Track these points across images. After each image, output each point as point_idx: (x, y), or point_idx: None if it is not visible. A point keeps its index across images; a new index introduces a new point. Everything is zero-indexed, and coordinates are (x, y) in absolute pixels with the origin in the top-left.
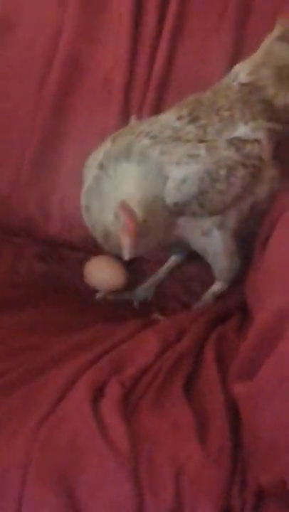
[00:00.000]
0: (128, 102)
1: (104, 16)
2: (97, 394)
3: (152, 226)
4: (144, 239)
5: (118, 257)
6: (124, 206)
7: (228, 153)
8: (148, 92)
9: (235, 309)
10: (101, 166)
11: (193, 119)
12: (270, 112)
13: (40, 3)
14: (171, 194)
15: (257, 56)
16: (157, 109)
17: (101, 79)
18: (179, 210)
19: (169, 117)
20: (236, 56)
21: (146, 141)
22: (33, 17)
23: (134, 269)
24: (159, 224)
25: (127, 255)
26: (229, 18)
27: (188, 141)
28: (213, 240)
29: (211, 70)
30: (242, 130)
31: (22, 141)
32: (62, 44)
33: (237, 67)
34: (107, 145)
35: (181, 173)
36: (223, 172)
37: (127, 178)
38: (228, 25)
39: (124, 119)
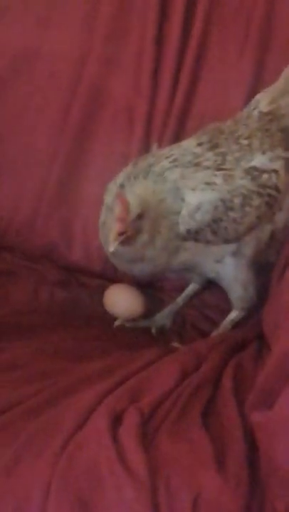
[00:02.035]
0: (149, 130)
1: (127, 44)
2: (116, 421)
3: (146, 228)
4: (137, 240)
5: (137, 285)
6: (121, 196)
7: (244, 182)
8: (169, 120)
9: (252, 337)
10: (121, 186)
11: (213, 146)
12: None
13: (62, 31)
14: (185, 221)
15: (278, 85)
16: (178, 137)
17: (123, 107)
18: (192, 237)
19: (189, 143)
20: (257, 85)
21: (166, 163)
22: (55, 46)
23: (153, 296)
24: (163, 237)
25: (112, 246)
26: (250, 48)
27: (207, 167)
28: (226, 267)
29: (232, 99)
30: (259, 160)
31: (45, 167)
32: (86, 72)
33: (258, 96)
34: (128, 168)
35: (196, 199)
36: (237, 200)
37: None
38: (248, 55)
39: (145, 146)
